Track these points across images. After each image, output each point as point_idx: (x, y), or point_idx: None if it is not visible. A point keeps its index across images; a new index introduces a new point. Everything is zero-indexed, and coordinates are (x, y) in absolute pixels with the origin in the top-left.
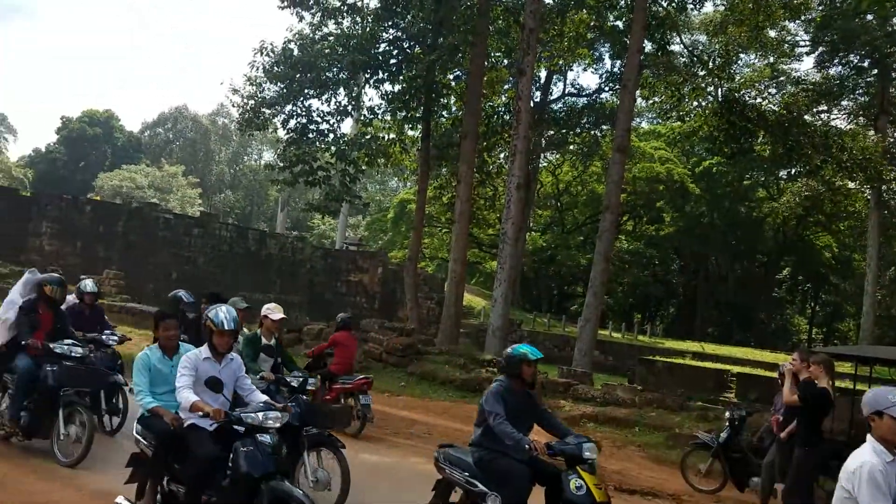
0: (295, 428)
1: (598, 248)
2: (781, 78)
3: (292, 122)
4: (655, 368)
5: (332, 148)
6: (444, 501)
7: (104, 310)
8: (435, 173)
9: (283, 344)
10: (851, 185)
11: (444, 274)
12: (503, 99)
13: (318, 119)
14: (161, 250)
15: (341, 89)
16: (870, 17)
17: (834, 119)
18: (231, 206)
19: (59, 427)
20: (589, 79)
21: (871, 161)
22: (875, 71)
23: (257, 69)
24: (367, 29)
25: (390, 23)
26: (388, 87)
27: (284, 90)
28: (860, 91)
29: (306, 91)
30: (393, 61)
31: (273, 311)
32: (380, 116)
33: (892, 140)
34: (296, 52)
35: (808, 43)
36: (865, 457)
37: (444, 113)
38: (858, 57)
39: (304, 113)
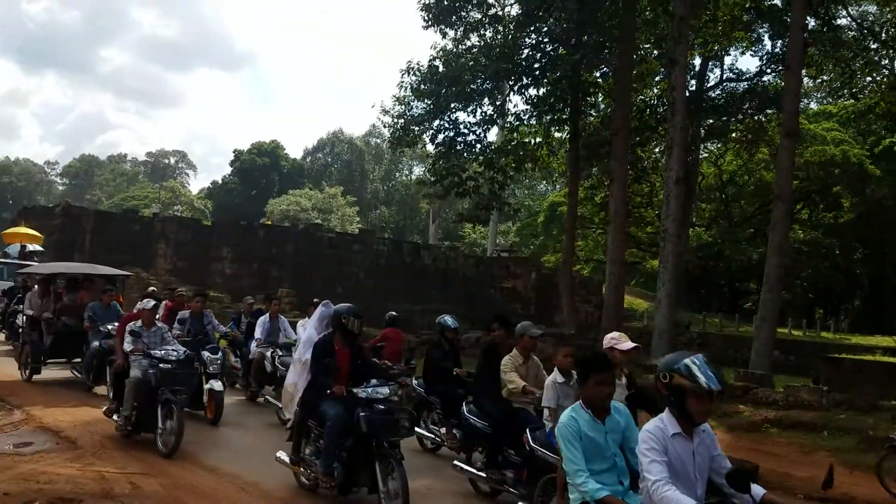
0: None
1: (770, 240)
2: None
3: (440, 137)
4: (843, 367)
5: (480, 157)
6: None
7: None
8: (585, 173)
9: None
10: None
11: (601, 276)
12: (655, 91)
13: (465, 131)
14: (326, 267)
15: (486, 99)
16: None
17: None
18: (386, 221)
19: (379, 480)
20: (748, 62)
21: None
22: None
23: (405, 89)
24: (510, 37)
25: (532, 28)
26: (532, 91)
27: (431, 106)
28: None
29: (452, 105)
30: (536, 66)
31: (619, 340)
32: (525, 122)
33: None
34: (441, 67)
35: None
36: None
37: (592, 111)
38: None
39: (451, 126)
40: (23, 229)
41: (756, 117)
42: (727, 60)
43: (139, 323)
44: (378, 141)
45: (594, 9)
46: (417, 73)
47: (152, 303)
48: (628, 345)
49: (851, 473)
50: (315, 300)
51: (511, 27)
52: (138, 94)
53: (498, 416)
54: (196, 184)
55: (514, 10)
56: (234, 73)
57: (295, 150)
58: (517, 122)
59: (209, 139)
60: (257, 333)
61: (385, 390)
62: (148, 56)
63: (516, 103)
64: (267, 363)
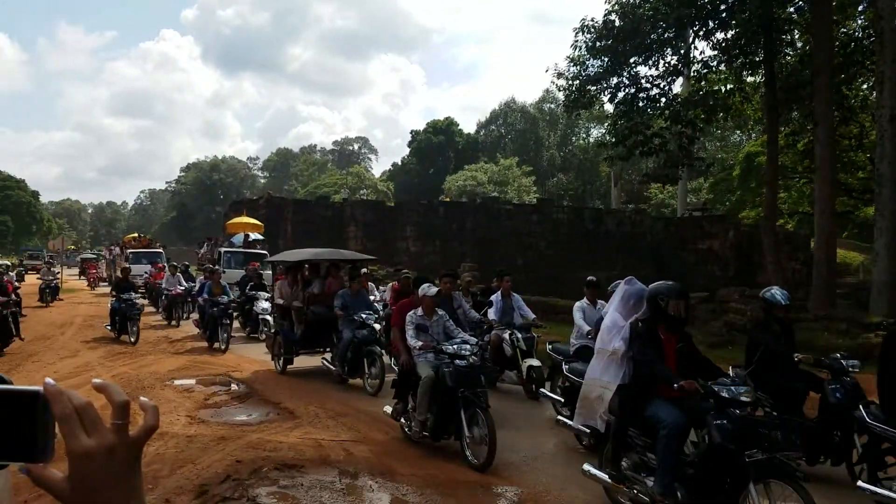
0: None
1: None
2: None
3: (620, 94)
4: None
5: (665, 112)
6: None
7: None
8: (784, 119)
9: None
10: None
11: (807, 230)
12: (860, 22)
13: (647, 85)
14: (505, 240)
15: (668, 49)
16: None
17: None
18: (564, 188)
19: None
20: None
21: None
22: None
23: (579, 48)
24: None
25: None
26: (719, 35)
27: (609, 63)
28: None
29: (632, 59)
30: (722, 7)
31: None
32: (714, 69)
33: None
34: (617, 22)
35: None
36: None
37: (788, 51)
38: None
39: (631, 82)
40: (245, 219)
41: None
42: None
43: (420, 312)
44: (552, 106)
45: None
46: (592, 30)
47: (434, 289)
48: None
49: None
50: (499, 270)
51: None
52: (323, 86)
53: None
54: (378, 167)
55: None
56: (409, 54)
57: (468, 125)
58: (704, 70)
59: (388, 122)
60: (492, 314)
61: (743, 389)
62: (329, 49)
63: (702, 50)
64: (506, 346)
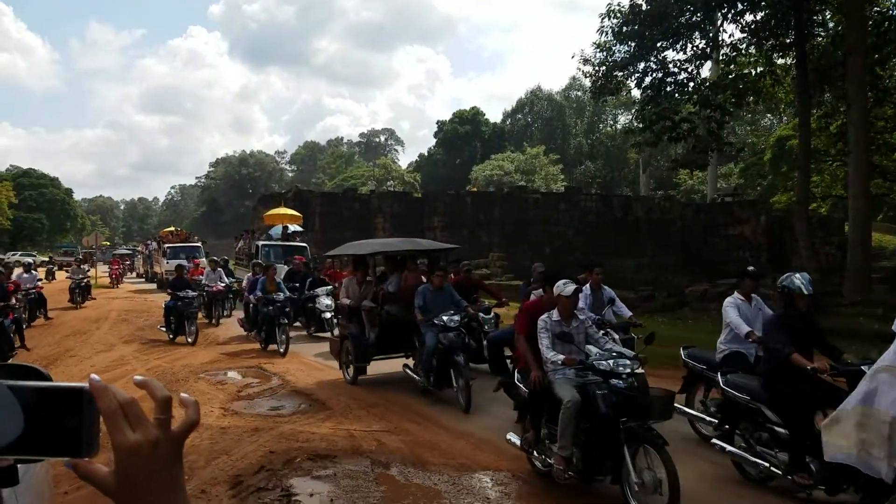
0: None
1: None
2: None
3: (647, 79)
4: None
5: (694, 97)
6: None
7: None
8: (817, 101)
9: None
10: None
11: (841, 214)
12: (894, 1)
13: (675, 70)
14: (533, 228)
15: (696, 33)
16: None
17: None
18: (592, 176)
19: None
20: None
21: None
22: None
23: (605, 34)
24: None
25: None
26: (749, 17)
27: (635, 48)
28: None
29: (659, 43)
30: None
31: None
32: (743, 51)
33: None
34: (644, 6)
35: None
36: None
37: (819, 31)
38: None
39: (658, 67)
40: (283, 210)
41: None
42: None
43: (555, 316)
44: (578, 94)
45: None
46: (618, 14)
47: (572, 287)
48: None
49: None
50: (589, 260)
51: None
52: (349, 78)
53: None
54: (405, 158)
55: None
56: (435, 45)
57: (494, 114)
58: (734, 53)
59: (414, 113)
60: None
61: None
62: (355, 41)
63: (731, 32)
64: None
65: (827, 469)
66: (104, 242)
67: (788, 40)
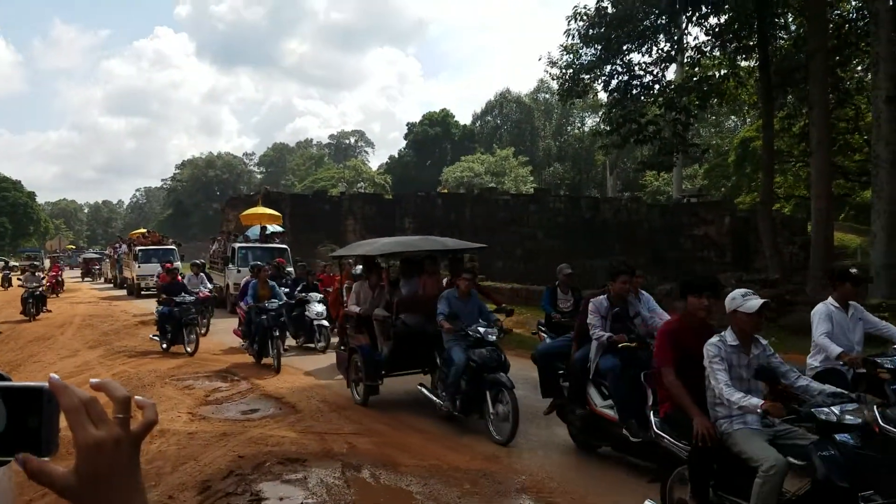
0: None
1: None
2: None
3: (613, 82)
4: None
5: (659, 99)
6: None
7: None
8: (780, 102)
9: None
10: None
11: (805, 214)
12: (854, 3)
13: (641, 72)
14: (504, 230)
15: (661, 36)
16: None
17: None
18: (561, 177)
19: None
20: None
21: None
22: None
23: (572, 36)
24: None
25: None
26: (713, 20)
27: (602, 51)
28: None
29: (625, 46)
30: None
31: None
32: (707, 54)
33: None
34: (609, 8)
35: None
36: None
37: (782, 34)
38: None
39: (624, 70)
40: (261, 209)
41: None
42: None
43: (731, 338)
44: (547, 96)
45: None
46: (584, 17)
47: (757, 301)
48: None
49: None
50: (622, 262)
51: None
52: (319, 80)
53: None
54: (375, 160)
55: None
56: (405, 47)
57: (464, 117)
58: (698, 56)
59: (384, 115)
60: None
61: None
62: (325, 43)
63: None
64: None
65: None
66: (69, 246)
67: (751, 43)
